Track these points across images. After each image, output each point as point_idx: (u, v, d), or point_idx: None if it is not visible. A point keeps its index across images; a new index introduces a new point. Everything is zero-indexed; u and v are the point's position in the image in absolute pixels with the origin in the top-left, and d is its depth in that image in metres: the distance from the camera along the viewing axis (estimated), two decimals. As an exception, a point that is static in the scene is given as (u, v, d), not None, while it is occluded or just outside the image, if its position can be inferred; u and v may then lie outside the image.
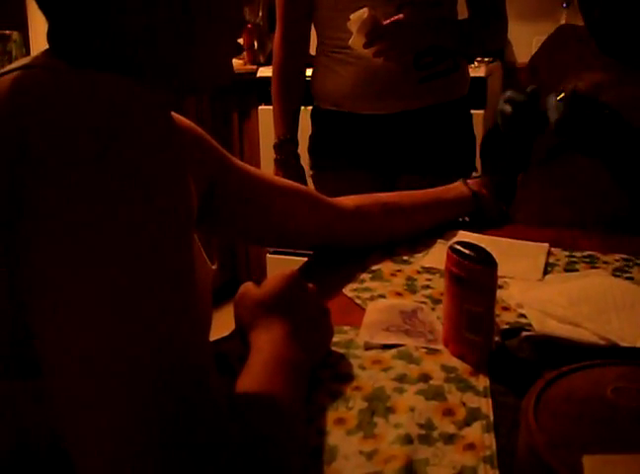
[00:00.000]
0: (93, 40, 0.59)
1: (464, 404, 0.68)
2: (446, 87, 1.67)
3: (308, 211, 1.04)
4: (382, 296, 0.94)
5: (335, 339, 0.79)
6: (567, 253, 1.12)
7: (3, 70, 0.55)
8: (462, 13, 1.71)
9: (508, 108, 1.34)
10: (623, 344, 0.78)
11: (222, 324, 0.85)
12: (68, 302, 0.46)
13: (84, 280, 0.46)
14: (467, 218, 1.26)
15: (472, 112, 1.79)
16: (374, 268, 1.04)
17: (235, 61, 2.89)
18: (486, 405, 0.68)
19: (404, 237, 1.14)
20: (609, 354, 0.72)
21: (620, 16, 1.29)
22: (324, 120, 1.77)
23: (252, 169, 1.00)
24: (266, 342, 0.68)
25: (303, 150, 1.82)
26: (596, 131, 1.28)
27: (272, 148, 1.81)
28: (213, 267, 0.80)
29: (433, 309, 0.89)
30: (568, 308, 0.86)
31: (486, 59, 2.77)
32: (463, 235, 1.16)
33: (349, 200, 1.10)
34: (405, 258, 1.09)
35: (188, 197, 0.54)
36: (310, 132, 1.82)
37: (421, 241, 1.15)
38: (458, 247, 0.75)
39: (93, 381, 0.45)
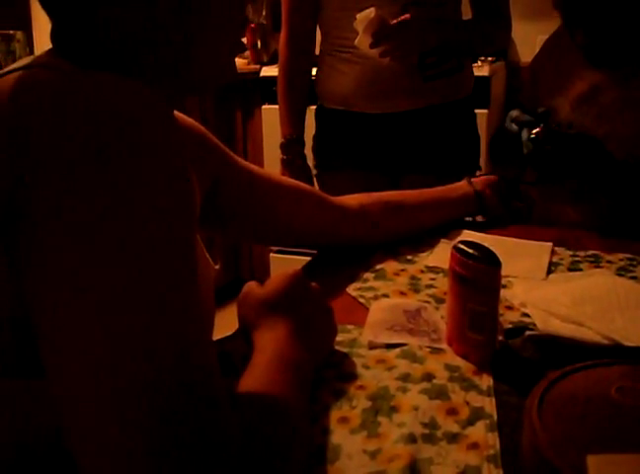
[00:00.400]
0: (95, 40, 0.59)
1: (468, 403, 0.68)
2: (451, 86, 1.67)
3: (313, 211, 1.04)
4: (386, 296, 0.94)
5: (338, 338, 0.79)
6: (571, 252, 1.12)
7: (6, 69, 0.55)
8: (466, 13, 1.71)
9: (515, 127, 1.33)
10: (627, 343, 0.78)
11: (226, 323, 0.85)
12: (69, 302, 0.46)
13: (85, 280, 0.46)
14: (478, 218, 1.25)
15: (475, 111, 1.79)
16: (378, 267, 1.04)
17: (238, 61, 2.89)
18: (490, 404, 0.67)
19: (408, 236, 1.14)
20: (613, 353, 0.72)
21: (603, 37, 1.27)
22: (328, 120, 1.76)
23: (256, 168, 1.00)
24: (269, 341, 0.68)
25: (307, 149, 1.81)
26: (571, 164, 1.27)
27: (275, 148, 1.81)
28: (216, 266, 0.80)
29: (436, 308, 0.89)
30: (572, 307, 0.86)
31: (489, 59, 2.76)
32: (467, 234, 1.16)
33: (353, 200, 1.10)
34: (409, 257, 1.09)
35: (190, 195, 0.54)
36: (314, 132, 1.81)
37: (425, 240, 1.15)
38: (462, 246, 0.75)
39: (95, 381, 0.45)
